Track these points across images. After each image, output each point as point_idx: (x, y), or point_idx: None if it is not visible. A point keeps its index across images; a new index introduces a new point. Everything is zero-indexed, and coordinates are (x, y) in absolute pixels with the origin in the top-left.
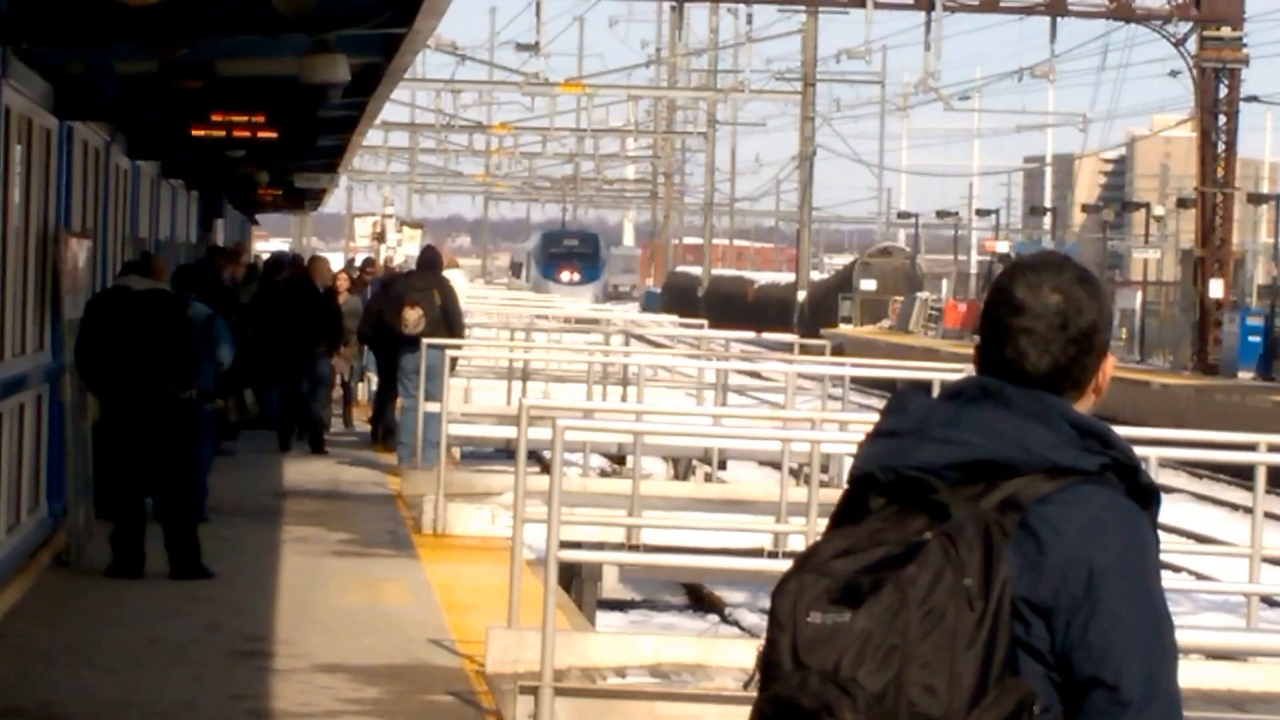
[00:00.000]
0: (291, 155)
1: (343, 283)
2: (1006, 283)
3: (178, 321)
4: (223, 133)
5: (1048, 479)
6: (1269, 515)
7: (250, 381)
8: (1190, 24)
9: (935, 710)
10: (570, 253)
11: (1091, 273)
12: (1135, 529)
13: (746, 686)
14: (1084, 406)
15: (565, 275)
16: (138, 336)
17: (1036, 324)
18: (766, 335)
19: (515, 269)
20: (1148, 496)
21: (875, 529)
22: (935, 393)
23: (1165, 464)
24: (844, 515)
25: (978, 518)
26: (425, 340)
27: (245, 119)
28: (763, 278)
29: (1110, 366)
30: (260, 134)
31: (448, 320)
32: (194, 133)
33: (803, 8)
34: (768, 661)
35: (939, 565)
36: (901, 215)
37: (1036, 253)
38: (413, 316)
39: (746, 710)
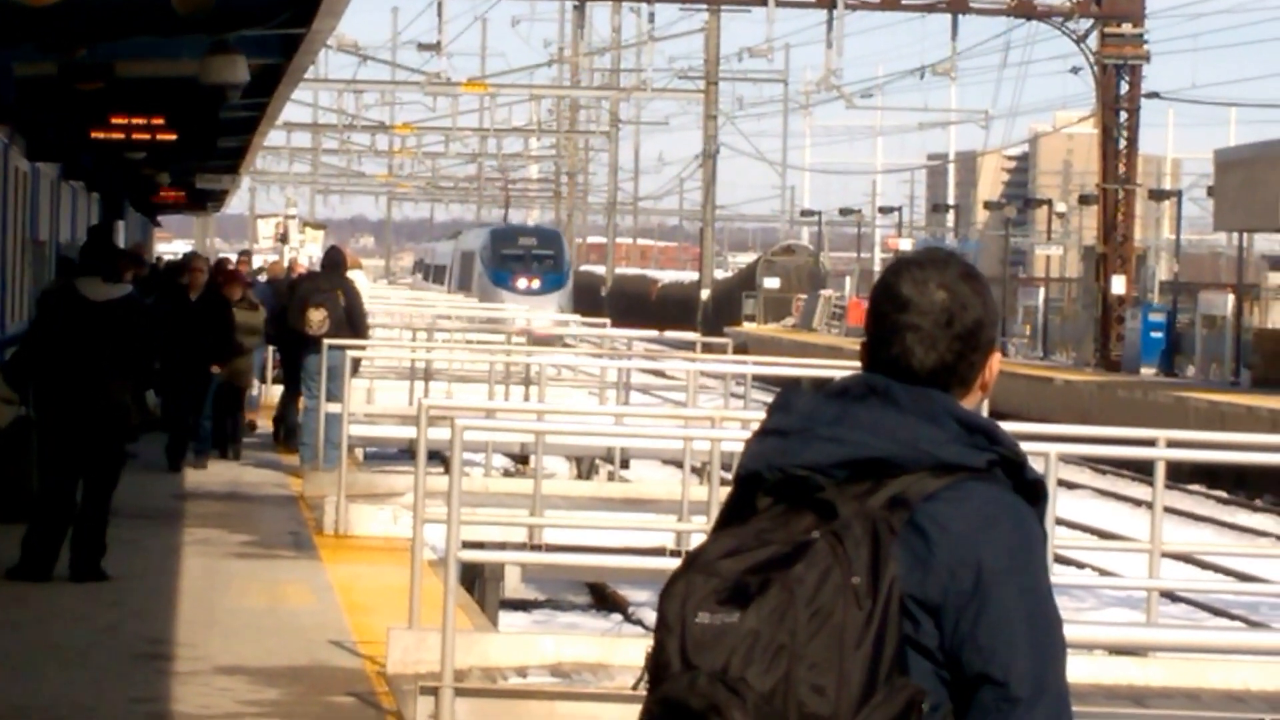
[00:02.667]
0: (192, 156)
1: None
2: (892, 279)
3: (136, 328)
4: (122, 135)
5: (935, 476)
6: (1169, 510)
7: (152, 383)
8: (1091, 21)
9: (824, 710)
10: (527, 255)
11: (976, 269)
12: (1023, 525)
13: (635, 687)
14: (970, 403)
15: (522, 283)
16: (92, 343)
17: (922, 320)
18: (669, 334)
19: (429, 272)
20: (1034, 492)
21: (762, 528)
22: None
23: (1068, 460)
24: (731, 515)
25: (865, 516)
26: (327, 341)
27: (145, 121)
28: (666, 276)
29: (996, 363)
30: (160, 135)
31: (352, 321)
32: (94, 135)
33: (705, 6)
34: (656, 662)
35: (826, 564)
36: (805, 213)
37: (921, 249)
38: (317, 317)
39: (640, 714)
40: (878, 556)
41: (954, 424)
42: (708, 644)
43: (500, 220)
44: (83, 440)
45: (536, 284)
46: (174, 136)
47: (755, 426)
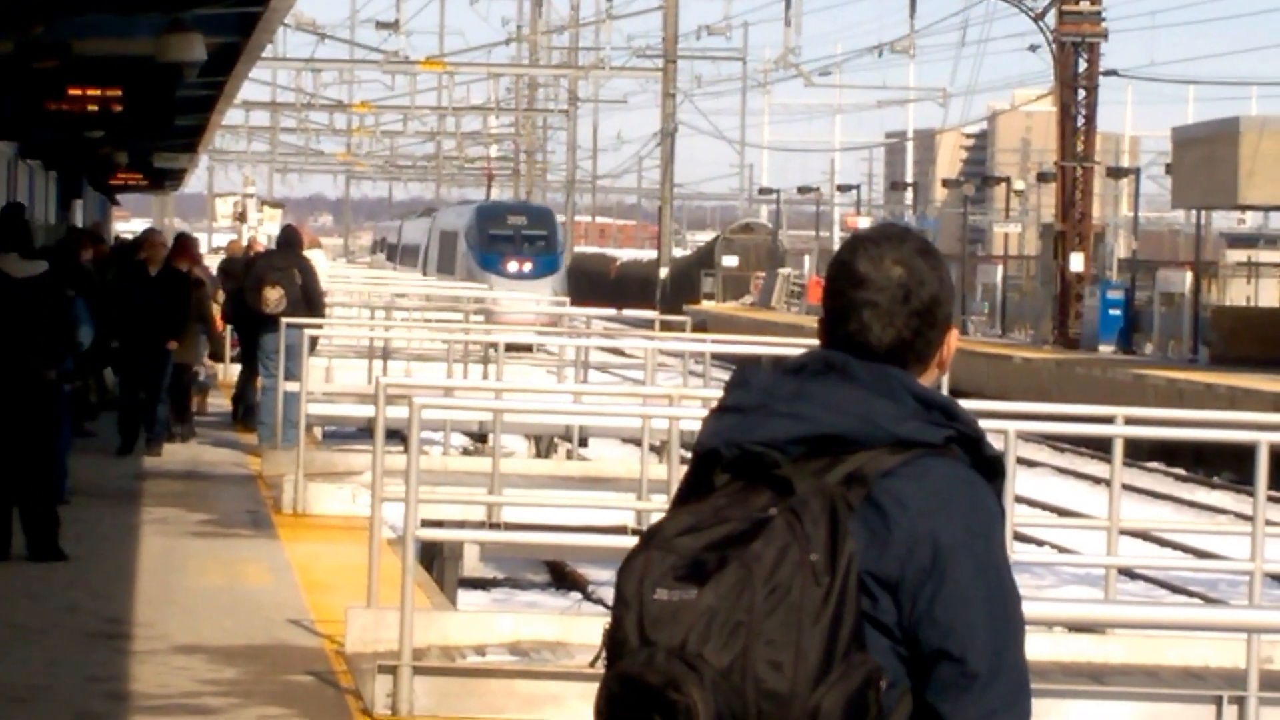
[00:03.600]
0: (150, 135)
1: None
2: (848, 256)
3: (58, 303)
4: (79, 112)
5: (892, 453)
6: (1127, 488)
7: (111, 362)
8: None
9: (781, 686)
10: (517, 235)
11: (932, 245)
12: (980, 501)
13: (594, 664)
14: (928, 380)
15: (513, 265)
16: (17, 319)
17: (879, 297)
18: (628, 312)
19: (393, 253)
20: (992, 468)
21: (720, 505)
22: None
23: (1026, 438)
24: (689, 491)
25: (823, 492)
26: (285, 320)
27: (101, 96)
28: (625, 255)
29: (954, 339)
30: (118, 113)
31: (308, 300)
32: (50, 112)
33: None
34: (614, 639)
35: (784, 541)
36: (763, 191)
37: (877, 226)
38: (274, 296)
39: (597, 690)
40: (835, 533)
41: (912, 400)
42: (665, 620)
43: (472, 199)
44: (10, 418)
45: (529, 267)
46: (132, 115)
47: (714, 405)
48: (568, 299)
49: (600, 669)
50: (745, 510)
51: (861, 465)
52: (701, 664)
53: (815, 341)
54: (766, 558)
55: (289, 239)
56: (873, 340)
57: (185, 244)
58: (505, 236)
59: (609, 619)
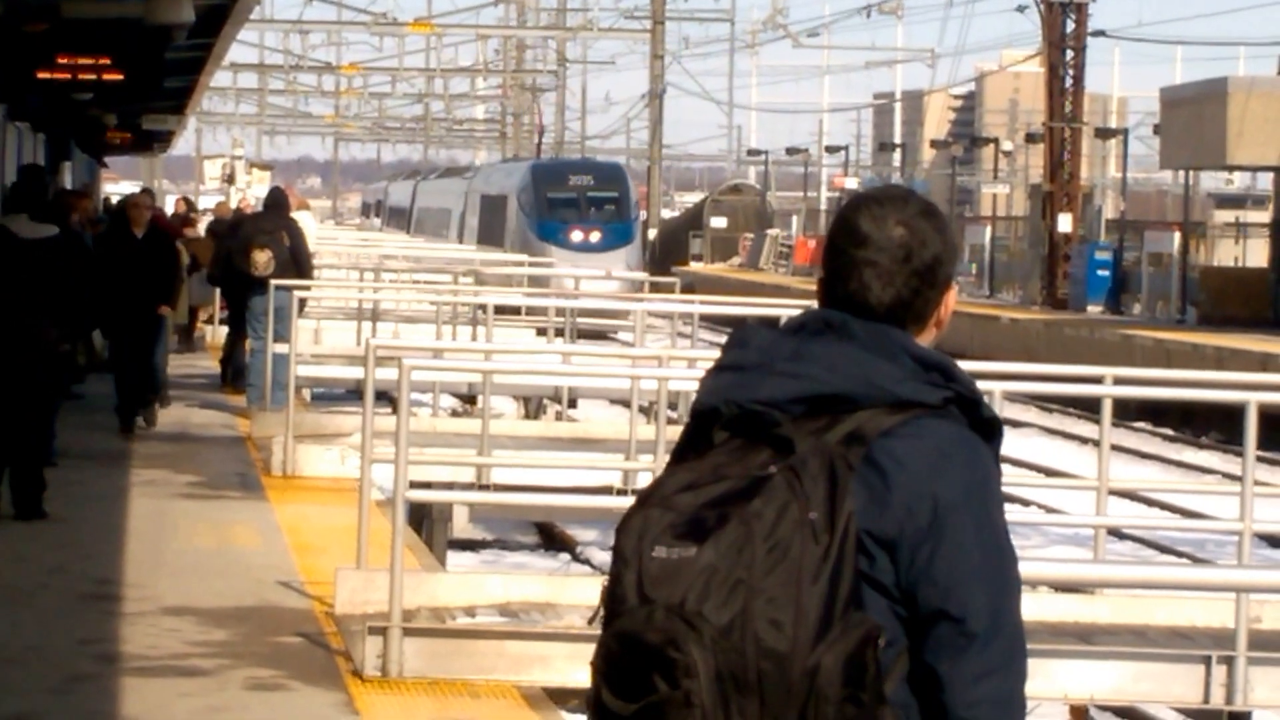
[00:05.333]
0: (139, 97)
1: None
2: (850, 215)
3: (64, 267)
4: (69, 75)
5: (891, 413)
6: (1115, 448)
7: (99, 325)
8: None
9: (781, 645)
10: (582, 197)
11: (936, 206)
12: (979, 461)
13: (591, 622)
14: (926, 340)
15: (578, 235)
16: (21, 281)
17: (880, 257)
18: (616, 273)
19: (392, 216)
20: (990, 429)
21: (719, 463)
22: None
23: (1014, 398)
24: (687, 449)
25: (822, 451)
26: (273, 281)
27: (91, 61)
28: None
29: (952, 300)
30: (106, 76)
31: (296, 261)
32: (40, 75)
33: None
34: (613, 597)
35: (784, 499)
36: (751, 152)
37: (881, 186)
38: (262, 259)
39: (595, 648)
40: (835, 492)
41: (910, 361)
42: (665, 578)
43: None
44: (12, 378)
45: (597, 236)
46: (121, 77)
47: (702, 366)
48: (645, 277)
49: (598, 627)
50: (744, 468)
51: (860, 425)
52: (701, 622)
53: (802, 303)
54: (766, 515)
55: (276, 201)
56: (872, 300)
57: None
58: (567, 200)
59: (607, 577)
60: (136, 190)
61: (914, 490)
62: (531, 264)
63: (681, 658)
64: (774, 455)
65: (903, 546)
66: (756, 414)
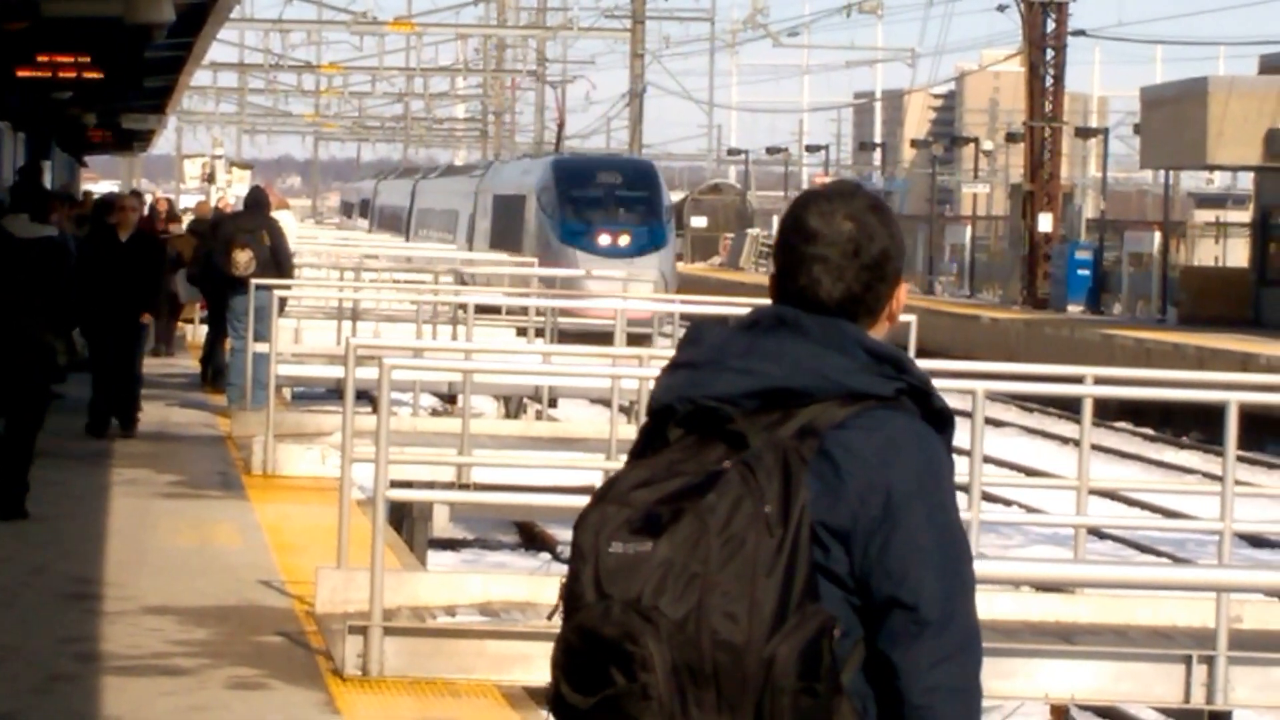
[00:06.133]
0: (119, 96)
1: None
2: (800, 211)
3: (62, 269)
4: (48, 74)
5: (843, 405)
6: (1096, 448)
7: (79, 324)
8: None
9: (737, 637)
10: (610, 198)
11: (883, 201)
12: (931, 452)
13: (550, 618)
14: (878, 333)
15: (605, 239)
16: (15, 280)
17: (830, 251)
18: (598, 272)
19: (380, 217)
20: (941, 420)
21: (674, 459)
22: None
23: (995, 398)
24: (644, 448)
25: (775, 445)
26: (253, 280)
27: (71, 60)
28: None
29: (903, 293)
30: (86, 75)
31: (277, 261)
32: (19, 74)
33: None
34: (570, 593)
35: (738, 493)
36: (731, 152)
37: (829, 182)
38: (243, 258)
39: (554, 644)
40: (789, 485)
41: (863, 353)
42: (621, 573)
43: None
44: (4, 377)
45: (627, 240)
46: (100, 76)
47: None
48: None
49: (558, 623)
50: (699, 464)
51: (814, 418)
52: (657, 615)
53: None
54: (720, 510)
55: (257, 200)
56: (823, 294)
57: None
58: (593, 199)
59: (565, 573)
60: (119, 191)
61: (866, 481)
62: (541, 271)
63: (638, 651)
64: (728, 451)
65: (856, 537)
66: (710, 410)
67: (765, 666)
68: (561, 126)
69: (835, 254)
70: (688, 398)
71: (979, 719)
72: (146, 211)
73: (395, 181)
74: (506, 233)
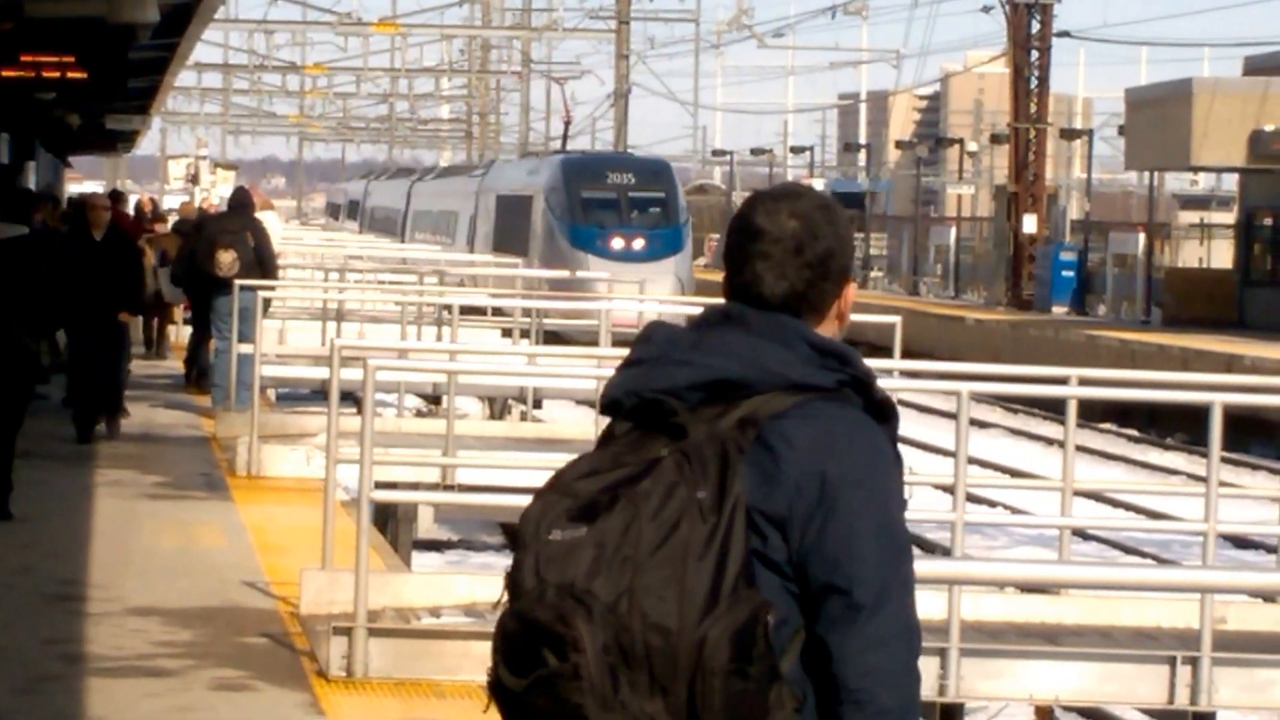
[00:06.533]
0: (103, 97)
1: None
2: (747, 211)
3: (38, 268)
4: (32, 74)
5: (784, 396)
6: (1080, 449)
7: (64, 324)
8: None
9: (668, 620)
10: (623, 198)
11: (834, 202)
12: (871, 442)
13: (495, 607)
14: (828, 332)
15: (618, 243)
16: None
17: (773, 249)
18: (581, 273)
19: (336, 211)
20: (883, 411)
21: (618, 452)
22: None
23: (979, 399)
24: (599, 443)
25: (714, 436)
26: (238, 281)
27: (55, 60)
28: None
29: (851, 293)
30: (70, 75)
31: (261, 262)
32: (2, 75)
33: None
34: (513, 581)
35: (672, 479)
36: (716, 153)
37: (781, 184)
38: (227, 259)
39: (494, 630)
40: (724, 472)
41: (806, 347)
42: (558, 559)
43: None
44: None
45: (641, 244)
46: (85, 76)
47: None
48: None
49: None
50: (641, 455)
51: (755, 409)
52: (590, 598)
53: None
54: (654, 496)
55: (241, 201)
56: (765, 291)
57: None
58: (605, 200)
59: (510, 563)
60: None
61: (803, 469)
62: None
63: (569, 632)
64: (670, 443)
65: (793, 523)
66: (655, 403)
67: (696, 648)
68: (568, 124)
69: (778, 251)
70: (633, 391)
71: (917, 707)
72: (133, 212)
73: (388, 182)
74: (511, 236)
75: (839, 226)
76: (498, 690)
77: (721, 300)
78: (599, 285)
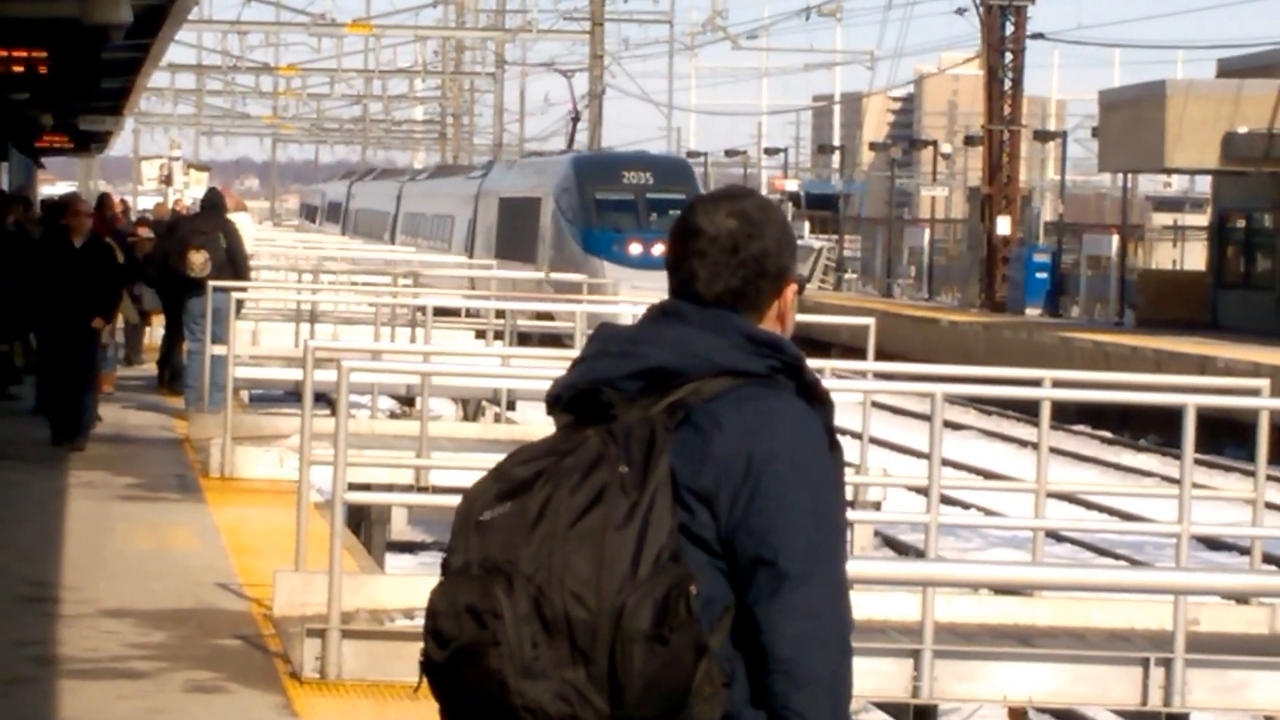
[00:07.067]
0: (76, 98)
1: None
2: (688, 212)
3: (11, 269)
4: (3, 74)
5: (717, 382)
6: (1054, 451)
7: (36, 325)
8: None
9: (586, 592)
10: (642, 200)
11: (773, 203)
12: (800, 423)
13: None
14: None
15: (636, 248)
16: None
17: (709, 248)
18: (555, 275)
19: (313, 213)
20: (813, 394)
21: (555, 439)
22: None
23: (953, 400)
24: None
25: (644, 419)
26: (211, 282)
27: (27, 58)
28: None
29: (791, 294)
30: (43, 76)
31: (233, 263)
32: None
33: None
34: (445, 562)
35: (594, 455)
36: (690, 154)
37: (725, 186)
38: (198, 260)
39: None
40: (650, 450)
41: (739, 337)
42: (484, 536)
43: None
44: None
45: (661, 250)
46: (57, 77)
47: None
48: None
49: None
50: (574, 441)
51: (686, 395)
52: (510, 568)
53: None
54: (575, 471)
55: (213, 202)
56: (701, 288)
57: (78, 210)
58: (623, 203)
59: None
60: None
61: (732, 448)
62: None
63: (486, 602)
64: (600, 428)
65: (720, 499)
66: (593, 394)
67: (615, 616)
68: (575, 119)
69: (714, 250)
70: (571, 384)
71: (847, 684)
72: (108, 212)
73: (375, 183)
74: (516, 241)
75: (777, 227)
76: (426, 669)
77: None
78: (611, 291)
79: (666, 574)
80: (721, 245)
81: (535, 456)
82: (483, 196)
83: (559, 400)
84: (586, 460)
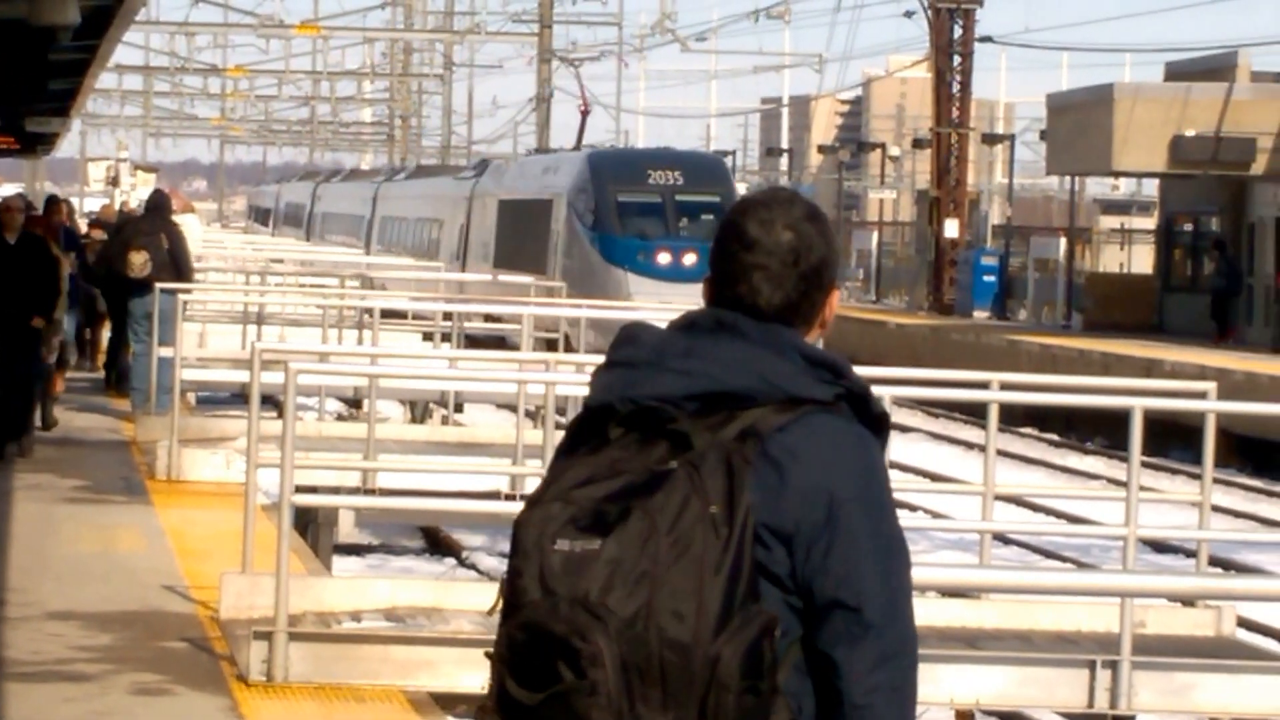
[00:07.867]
0: (22, 99)
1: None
2: (739, 219)
3: None
4: None
5: (784, 409)
6: (1001, 453)
7: None
8: None
9: (684, 635)
10: (670, 203)
11: (820, 209)
12: (870, 455)
13: (490, 613)
14: (811, 339)
15: (665, 258)
16: None
17: (769, 260)
18: (504, 277)
19: (264, 216)
20: (878, 424)
21: (616, 458)
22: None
23: (901, 403)
24: (578, 444)
25: (719, 447)
26: (157, 284)
27: None
28: None
29: (835, 301)
30: None
31: (176, 264)
32: None
33: None
34: (514, 590)
35: (685, 493)
36: None
37: (766, 189)
38: (138, 260)
39: (481, 652)
40: (733, 486)
41: (799, 358)
42: (568, 571)
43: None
44: None
45: (693, 260)
46: (2, 78)
47: (589, 370)
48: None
49: (488, 626)
50: (643, 463)
51: (755, 421)
52: (606, 613)
53: (682, 305)
54: (669, 509)
55: (156, 203)
56: (762, 302)
57: (34, 217)
58: (648, 206)
59: (506, 570)
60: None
61: (809, 484)
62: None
63: (587, 647)
64: (671, 450)
65: (799, 540)
66: (652, 410)
67: (710, 665)
68: (585, 114)
69: (775, 263)
70: (628, 397)
71: (913, 716)
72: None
73: (346, 185)
74: (521, 249)
75: (829, 236)
76: (505, 704)
77: (705, 306)
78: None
79: (755, 618)
80: (782, 258)
81: (599, 478)
82: (477, 199)
83: (610, 411)
84: (679, 498)
